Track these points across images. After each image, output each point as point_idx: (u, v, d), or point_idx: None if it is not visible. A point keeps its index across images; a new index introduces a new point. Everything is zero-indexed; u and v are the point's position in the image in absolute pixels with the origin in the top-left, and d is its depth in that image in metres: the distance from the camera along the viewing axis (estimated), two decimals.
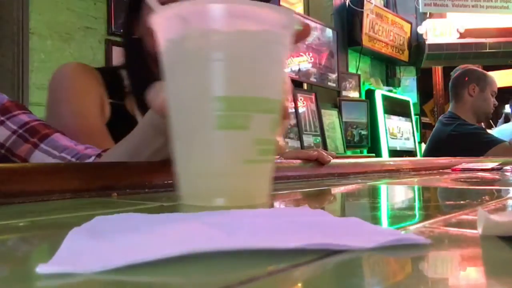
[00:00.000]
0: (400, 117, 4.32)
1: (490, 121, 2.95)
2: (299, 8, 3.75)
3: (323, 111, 3.47)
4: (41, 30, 2.11)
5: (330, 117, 3.59)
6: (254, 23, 0.37)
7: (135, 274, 0.17)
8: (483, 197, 0.46)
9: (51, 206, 0.39)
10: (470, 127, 2.17)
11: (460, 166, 1.03)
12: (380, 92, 4.16)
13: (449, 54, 4.55)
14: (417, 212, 0.39)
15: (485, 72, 2.38)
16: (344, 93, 3.91)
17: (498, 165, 1.01)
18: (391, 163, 1.00)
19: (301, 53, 3.41)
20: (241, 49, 0.36)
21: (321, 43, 3.61)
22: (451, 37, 4.57)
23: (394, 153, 4.00)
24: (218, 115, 0.35)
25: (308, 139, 3.22)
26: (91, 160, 0.64)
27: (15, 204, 0.39)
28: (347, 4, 4.01)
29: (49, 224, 0.31)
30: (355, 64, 4.15)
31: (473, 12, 4.51)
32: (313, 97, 3.42)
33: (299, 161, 0.73)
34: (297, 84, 3.38)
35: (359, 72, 4.13)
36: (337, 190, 0.58)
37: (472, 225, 0.26)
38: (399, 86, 4.75)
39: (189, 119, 0.37)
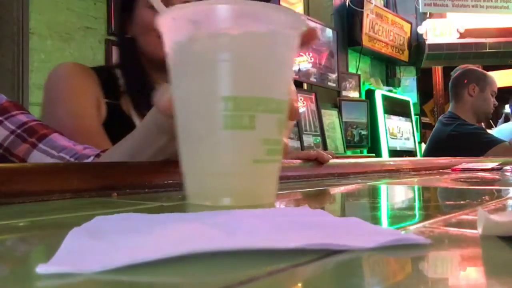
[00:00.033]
0: (400, 117, 4.32)
1: (490, 121, 2.95)
2: (299, 8, 3.75)
3: (323, 111, 3.47)
4: (41, 30, 2.11)
5: (330, 117, 3.59)
6: (262, 24, 0.37)
7: (135, 274, 0.17)
8: (483, 197, 0.46)
9: (51, 206, 0.39)
10: (470, 127, 2.17)
11: (460, 166, 1.03)
12: (380, 92, 4.16)
13: (449, 54, 4.55)
14: (417, 212, 0.39)
15: (485, 72, 2.38)
16: (344, 93, 3.91)
17: (498, 165, 1.01)
18: (391, 163, 1.00)
19: (301, 53, 3.41)
20: (249, 50, 0.36)
21: (321, 43, 3.61)
22: (451, 37, 4.57)
23: (394, 153, 4.00)
24: (225, 115, 0.35)
25: (308, 139, 3.22)
26: (89, 160, 0.64)
27: (15, 204, 0.39)
28: (347, 4, 4.01)
29: (49, 224, 0.31)
30: (355, 64, 4.15)
31: (473, 12, 4.51)
32: (313, 97, 3.42)
33: (299, 161, 0.73)
34: (297, 84, 3.37)
35: (359, 72, 4.13)
36: (337, 190, 0.58)
37: (472, 225, 0.26)
38: (399, 86, 4.75)
39: (196, 119, 0.37)
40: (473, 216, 0.31)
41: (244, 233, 0.23)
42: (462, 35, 4.57)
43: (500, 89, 2.40)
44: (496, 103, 2.31)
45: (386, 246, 0.21)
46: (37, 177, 0.43)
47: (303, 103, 3.30)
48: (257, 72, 0.37)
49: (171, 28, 0.39)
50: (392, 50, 4.51)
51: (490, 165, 1.02)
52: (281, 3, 3.16)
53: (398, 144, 4.19)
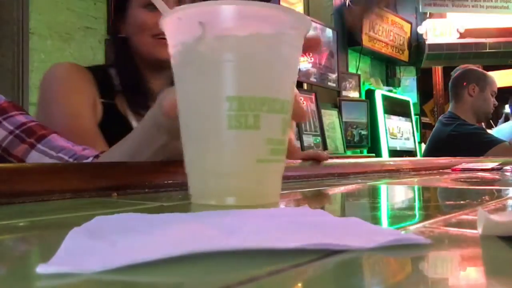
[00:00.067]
0: (400, 117, 4.32)
1: (491, 121, 2.95)
2: (299, 8, 3.75)
3: (323, 111, 3.47)
4: (41, 30, 2.11)
5: (330, 117, 3.59)
6: (267, 25, 0.37)
7: (135, 274, 0.17)
8: (483, 197, 0.46)
9: (51, 206, 0.39)
10: (470, 127, 2.17)
11: (460, 166, 1.03)
12: (380, 92, 4.16)
13: (449, 54, 4.56)
14: (417, 212, 0.39)
15: (485, 72, 2.38)
16: (344, 93, 3.91)
17: (498, 165, 1.01)
18: (391, 163, 1.00)
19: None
20: (254, 51, 0.37)
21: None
22: (451, 37, 4.57)
23: (394, 153, 4.00)
24: (229, 114, 0.35)
25: (308, 139, 3.22)
26: (88, 161, 0.64)
27: (15, 204, 0.39)
28: (347, 4, 4.01)
29: (49, 224, 0.31)
30: (355, 64, 4.15)
31: (473, 12, 4.51)
32: (313, 97, 3.42)
33: (298, 161, 0.73)
34: (297, 84, 3.36)
35: (359, 72, 4.13)
36: (337, 190, 0.58)
37: (472, 225, 0.26)
38: (399, 86, 4.75)
39: (201, 119, 0.37)
40: (473, 216, 0.31)
41: (244, 233, 0.23)
42: (462, 35, 4.57)
43: (500, 89, 2.40)
44: (496, 103, 2.31)
45: (386, 246, 0.21)
46: (37, 177, 0.43)
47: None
48: (262, 73, 0.37)
49: (176, 28, 0.39)
50: (392, 50, 4.51)
51: (490, 165, 1.02)
52: (281, 3, 3.16)
53: (398, 144, 4.19)
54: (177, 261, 0.18)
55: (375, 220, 0.34)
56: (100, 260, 0.18)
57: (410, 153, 4.26)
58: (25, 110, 0.73)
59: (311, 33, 0.41)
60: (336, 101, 3.81)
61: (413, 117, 4.57)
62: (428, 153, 2.25)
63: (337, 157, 2.43)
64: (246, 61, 0.36)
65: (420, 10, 4.54)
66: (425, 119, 5.28)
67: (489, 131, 2.53)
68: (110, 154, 0.62)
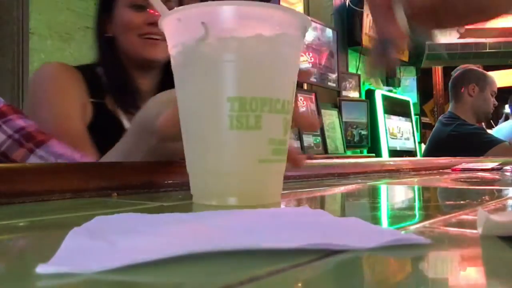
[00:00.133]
0: (400, 117, 4.32)
1: (491, 121, 2.95)
2: (299, 8, 3.74)
3: (323, 111, 3.47)
4: (41, 30, 2.11)
5: (330, 117, 3.59)
6: (268, 26, 0.37)
7: (135, 274, 0.17)
8: (483, 197, 0.46)
9: (51, 206, 0.39)
10: (470, 127, 2.17)
11: (460, 166, 1.03)
12: (380, 92, 4.16)
13: (449, 54, 4.55)
14: (417, 212, 0.39)
15: (485, 72, 2.38)
16: (344, 93, 3.91)
17: (498, 165, 1.01)
18: (391, 163, 1.00)
19: (301, 53, 3.41)
20: (255, 51, 0.37)
21: (321, 43, 3.61)
22: (451, 37, 4.57)
23: (394, 153, 4.00)
24: (231, 115, 0.36)
25: (308, 139, 3.22)
26: None
27: (15, 204, 0.39)
28: (347, 4, 4.01)
29: (49, 224, 0.31)
30: (355, 64, 4.15)
31: None
32: (313, 97, 3.41)
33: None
34: (297, 84, 3.37)
35: (359, 72, 4.13)
36: (337, 190, 0.58)
37: (472, 225, 0.26)
38: (399, 86, 4.74)
39: (203, 119, 0.37)
40: (473, 216, 0.31)
41: (244, 233, 0.23)
42: (462, 35, 4.57)
43: (500, 89, 2.40)
44: (496, 103, 2.32)
45: (386, 246, 0.21)
46: (37, 177, 0.43)
47: (303, 103, 3.30)
48: (263, 73, 0.37)
49: (176, 29, 0.39)
50: None
51: (490, 165, 1.02)
52: (281, 3, 3.16)
53: (398, 144, 4.19)
54: (177, 261, 0.18)
55: (375, 220, 0.34)
56: (100, 260, 0.18)
57: (410, 153, 4.26)
58: (24, 113, 0.73)
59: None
60: (336, 101, 3.81)
61: (413, 117, 4.57)
62: (428, 153, 2.25)
63: (337, 157, 2.43)
64: (247, 62, 0.37)
65: None
66: (425, 119, 5.28)
67: (489, 131, 2.53)
68: (105, 160, 0.62)
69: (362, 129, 3.89)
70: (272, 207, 0.37)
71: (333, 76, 3.76)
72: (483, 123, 2.48)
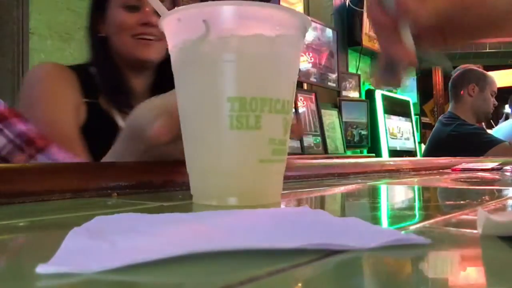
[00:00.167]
0: (400, 117, 4.32)
1: (491, 121, 2.95)
2: (299, 8, 3.74)
3: (323, 111, 3.47)
4: (41, 30, 2.11)
5: (330, 117, 3.59)
6: (268, 25, 0.37)
7: (135, 274, 0.17)
8: (483, 197, 0.46)
9: (51, 206, 0.39)
10: (470, 127, 2.17)
11: (460, 166, 1.03)
12: (380, 92, 4.16)
13: (449, 54, 4.55)
14: (417, 212, 0.39)
15: (485, 72, 2.38)
16: (344, 93, 3.91)
17: (498, 165, 1.01)
18: (391, 163, 1.00)
19: (301, 53, 3.41)
20: (255, 51, 0.37)
21: (321, 43, 3.61)
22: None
23: (394, 153, 4.00)
24: (231, 115, 0.36)
25: (308, 139, 3.22)
26: None
27: (15, 204, 0.39)
28: (347, 4, 4.01)
29: (49, 224, 0.31)
30: (355, 64, 4.15)
31: None
32: (313, 97, 3.42)
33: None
34: (297, 84, 3.37)
35: (359, 72, 4.13)
36: (337, 190, 0.58)
37: (472, 225, 0.26)
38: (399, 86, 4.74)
39: (202, 119, 0.38)
40: (473, 216, 0.31)
41: (244, 233, 0.23)
42: None
43: (500, 89, 2.40)
44: (496, 103, 2.32)
45: (386, 246, 0.21)
46: (37, 177, 0.43)
47: (303, 103, 3.30)
48: (263, 73, 0.37)
49: (176, 29, 0.39)
50: None
51: (490, 165, 1.02)
52: (281, 3, 3.16)
53: (398, 144, 4.19)
54: (177, 261, 0.18)
55: (375, 220, 0.34)
56: (100, 260, 0.18)
57: (410, 153, 4.26)
58: (24, 117, 0.73)
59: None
60: (336, 101, 3.81)
61: (413, 117, 4.57)
62: (428, 153, 2.25)
63: (337, 157, 2.43)
64: (248, 62, 0.37)
65: None
66: (425, 119, 5.28)
67: (489, 131, 2.53)
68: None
69: (362, 129, 3.89)
70: (272, 207, 0.37)
71: (333, 76, 3.76)
72: (483, 123, 2.48)
